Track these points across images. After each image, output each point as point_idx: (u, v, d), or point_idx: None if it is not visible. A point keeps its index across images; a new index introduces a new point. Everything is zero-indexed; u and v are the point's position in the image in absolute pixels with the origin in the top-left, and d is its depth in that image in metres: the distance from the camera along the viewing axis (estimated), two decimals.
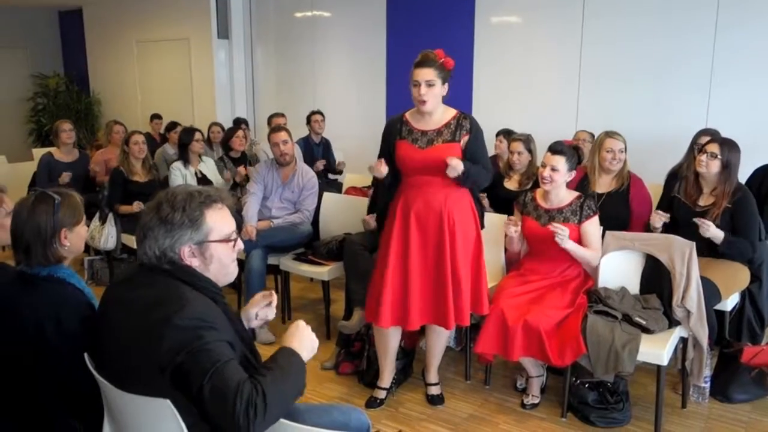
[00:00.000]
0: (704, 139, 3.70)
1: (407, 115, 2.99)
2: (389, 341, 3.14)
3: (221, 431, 1.47)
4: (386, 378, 3.22)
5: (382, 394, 3.20)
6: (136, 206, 4.65)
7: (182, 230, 1.62)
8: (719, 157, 3.20)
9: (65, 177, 5.19)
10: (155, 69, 8.59)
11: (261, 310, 1.94)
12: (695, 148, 3.78)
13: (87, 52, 9.40)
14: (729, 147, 3.23)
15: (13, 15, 9.59)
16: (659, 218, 3.29)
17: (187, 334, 1.49)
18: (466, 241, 2.96)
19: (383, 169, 2.90)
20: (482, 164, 2.95)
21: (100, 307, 1.75)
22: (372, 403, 3.17)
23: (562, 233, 2.99)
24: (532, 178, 3.92)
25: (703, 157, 3.24)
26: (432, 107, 2.87)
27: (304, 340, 1.68)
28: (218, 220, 1.68)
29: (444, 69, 2.84)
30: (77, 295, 1.93)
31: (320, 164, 5.81)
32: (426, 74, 2.79)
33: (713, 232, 3.12)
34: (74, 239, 1.99)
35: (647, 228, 3.38)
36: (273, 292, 1.96)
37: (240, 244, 1.77)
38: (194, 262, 1.66)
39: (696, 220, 3.12)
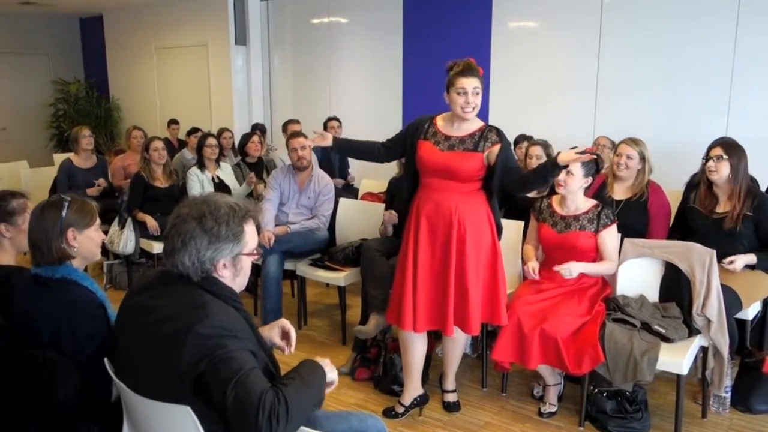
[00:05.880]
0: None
1: (438, 118, 3.01)
2: (415, 347, 3.09)
3: None
4: (408, 395, 3.15)
5: (401, 410, 3.14)
6: (151, 223, 4.77)
7: (225, 244, 1.66)
8: (725, 156, 3.17)
9: (101, 183, 5.43)
10: (174, 75, 8.69)
11: (276, 339, 1.94)
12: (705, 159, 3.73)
13: (107, 58, 9.54)
14: (731, 146, 3.21)
15: (35, 22, 9.75)
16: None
17: (209, 343, 1.50)
18: (478, 249, 2.93)
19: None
20: (516, 169, 2.97)
21: (120, 313, 1.77)
22: (389, 413, 3.14)
23: (567, 269, 2.99)
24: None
25: (711, 163, 3.21)
26: (474, 115, 2.89)
27: (324, 363, 1.74)
28: (251, 235, 1.73)
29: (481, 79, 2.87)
30: (90, 297, 1.96)
31: (339, 183, 5.72)
32: (474, 82, 2.82)
33: (744, 261, 3.12)
34: (84, 242, 2.03)
35: (667, 236, 3.34)
36: (289, 347, 1.92)
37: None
38: (225, 274, 1.69)
39: (723, 265, 3.08)
